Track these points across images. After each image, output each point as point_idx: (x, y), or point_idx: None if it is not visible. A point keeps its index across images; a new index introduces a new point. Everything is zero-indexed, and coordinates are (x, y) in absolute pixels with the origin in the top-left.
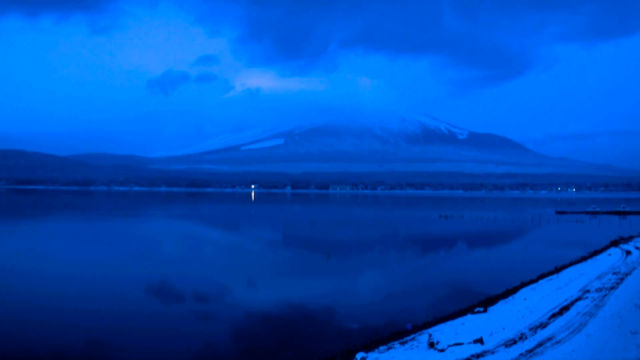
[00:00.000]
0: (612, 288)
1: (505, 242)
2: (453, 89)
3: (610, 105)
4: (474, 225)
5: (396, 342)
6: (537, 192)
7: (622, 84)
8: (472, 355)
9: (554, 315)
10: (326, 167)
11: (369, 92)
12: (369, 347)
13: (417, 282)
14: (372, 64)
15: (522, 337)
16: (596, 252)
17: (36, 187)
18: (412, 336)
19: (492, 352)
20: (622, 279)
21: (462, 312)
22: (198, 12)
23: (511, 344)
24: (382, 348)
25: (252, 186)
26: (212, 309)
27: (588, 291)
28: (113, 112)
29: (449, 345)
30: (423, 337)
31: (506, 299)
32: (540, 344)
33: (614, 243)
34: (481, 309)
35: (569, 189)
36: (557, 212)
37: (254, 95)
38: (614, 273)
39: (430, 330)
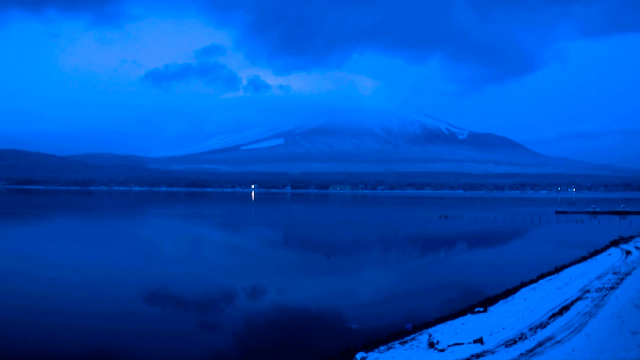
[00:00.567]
0: (612, 288)
1: (505, 242)
2: (456, 87)
3: (621, 104)
4: (474, 225)
5: (396, 342)
6: (537, 192)
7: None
8: (472, 355)
9: (554, 315)
10: (326, 167)
11: (369, 92)
12: (369, 347)
13: (417, 282)
14: (372, 63)
15: (522, 337)
16: (596, 252)
17: (36, 187)
18: (412, 336)
19: (492, 352)
20: (622, 279)
21: (462, 312)
22: (200, 12)
23: (511, 344)
24: (382, 348)
25: (252, 186)
26: (212, 309)
27: (588, 291)
28: (113, 112)
29: (449, 345)
30: (423, 337)
31: (506, 299)
32: (540, 344)
33: (614, 243)
34: (481, 309)
35: (569, 189)
36: (557, 212)
37: (257, 89)
38: (614, 273)
39: (430, 330)
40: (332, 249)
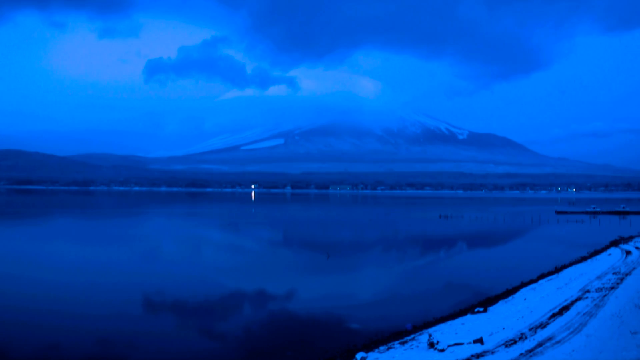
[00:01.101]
0: (612, 288)
1: (505, 242)
2: (462, 85)
3: (631, 103)
4: (473, 225)
5: (396, 342)
6: (537, 192)
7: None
8: (472, 355)
9: (554, 315)
10: (326, 167)
11: (372, 94)
12: (369, 347)
13: (417, 282)
14: (377, 63)
15: (522, 337)
16: (596, 252)
17: (36, 187)
18: (412, 336)
19: (492, 352)
20: (622, 279)
21: (462, 312)
22: (203, 8)
23: (511, 344)
24: (382, 348)
25: (252, 186)
26: (212, 310)
27: (588, 291)
28: (113, 112)
29: (449, 345)
30: (423, 337)
31: (506, 299)
32: (540, 344)
33: (614, 243)
34: (481, 309)
35: (569, 189)
36: (557, 212)
37: (260, 84)
38: (614, 273)
39: (430, 330)
40: (332, 249)
